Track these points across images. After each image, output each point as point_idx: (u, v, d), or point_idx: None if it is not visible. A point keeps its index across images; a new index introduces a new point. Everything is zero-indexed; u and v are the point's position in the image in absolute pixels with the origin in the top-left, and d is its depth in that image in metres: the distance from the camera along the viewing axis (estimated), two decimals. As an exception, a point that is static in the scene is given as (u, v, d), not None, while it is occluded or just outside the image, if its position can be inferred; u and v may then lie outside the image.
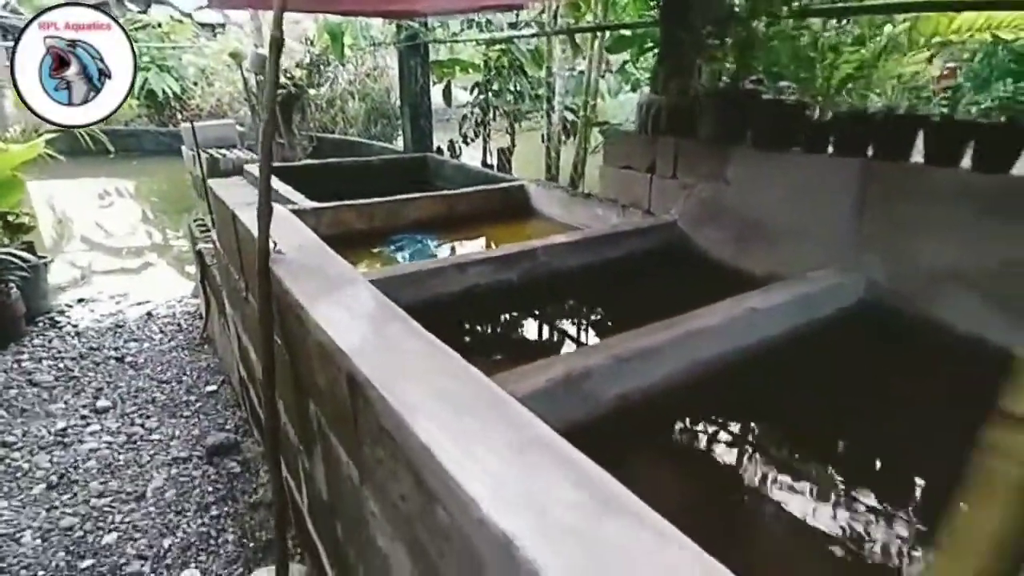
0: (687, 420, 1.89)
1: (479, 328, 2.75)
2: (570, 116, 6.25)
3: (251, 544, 1.95)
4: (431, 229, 4.21)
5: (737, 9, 3.14)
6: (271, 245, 1.34)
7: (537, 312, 3.01)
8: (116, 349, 3.33)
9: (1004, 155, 2.16)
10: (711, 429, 1.96)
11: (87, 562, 1.89)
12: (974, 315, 2.33)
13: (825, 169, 2.72)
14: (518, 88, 6.56)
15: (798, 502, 1.63)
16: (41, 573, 1.84)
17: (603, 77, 6.35)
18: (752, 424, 2.01)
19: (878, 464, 1.80)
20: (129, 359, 3.22)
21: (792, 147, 2.88)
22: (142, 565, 1.87)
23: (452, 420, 0.77)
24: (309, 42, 6.76)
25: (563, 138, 6.23)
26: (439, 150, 7.00)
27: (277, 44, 1.23)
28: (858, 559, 1.35)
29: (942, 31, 3.52)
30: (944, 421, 1.79)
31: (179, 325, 3.67)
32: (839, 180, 2.67)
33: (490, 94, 6.60)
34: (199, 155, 4.44)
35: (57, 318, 3.72)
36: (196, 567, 1.87)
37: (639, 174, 3.82)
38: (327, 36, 6.53)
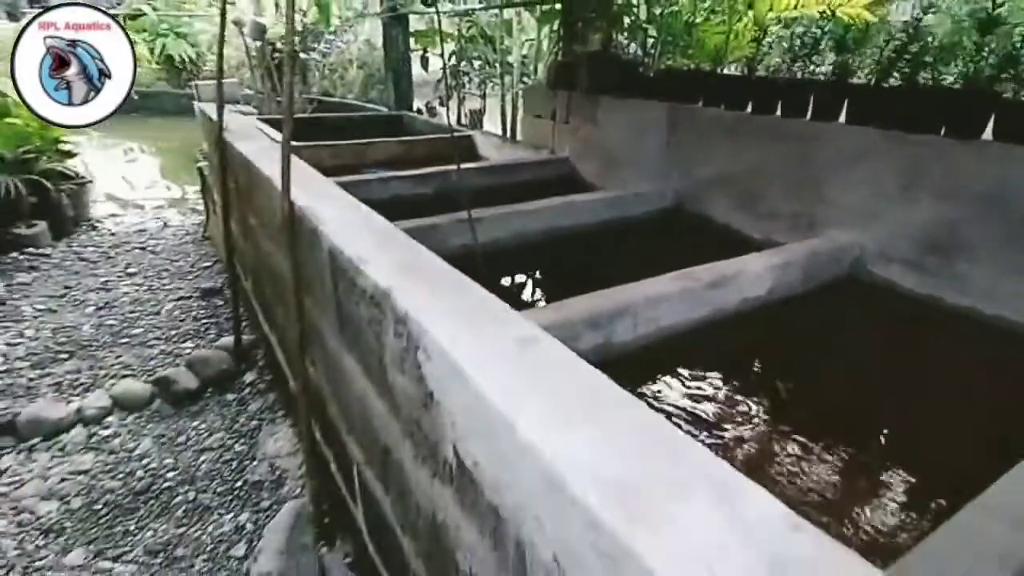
0: (513, 269, 2.98)
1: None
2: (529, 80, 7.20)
3: (225, 335, 3.08)
4: (393, 167, 5.29)
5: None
6: (224, 124, 2.41)
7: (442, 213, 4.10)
8: (141, 242, 4.48)
9: (741, 98, 3.16)
10: (525, 277, 3.03)
11: (124, 340, 3.04)
12: (724, 210, 3.38)
13: (649, 112, 3.75)
14: (485, 57, 7.52)
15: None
16: (95, 343, 2.98)
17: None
18: (556, 276, 3.10)
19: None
20: (149, 248, 4.37)
21: (634, 96, 3.88)
22: (158, 341, 3.02)
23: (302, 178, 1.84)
24: (302, 12, 7.75)
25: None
26: (419, 110, 8.00)
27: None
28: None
29: (780, 8, 4.41)
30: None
31: (187, 231, 4.81)
32: (656, 120, 3.69)
33: (462, 62, 7.57)
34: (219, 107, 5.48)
35: (95, 224, 4.88)
36: (191, 341, 3.00)
37: (546, 121, 4.85)
38: (316, 7, 7.53)
